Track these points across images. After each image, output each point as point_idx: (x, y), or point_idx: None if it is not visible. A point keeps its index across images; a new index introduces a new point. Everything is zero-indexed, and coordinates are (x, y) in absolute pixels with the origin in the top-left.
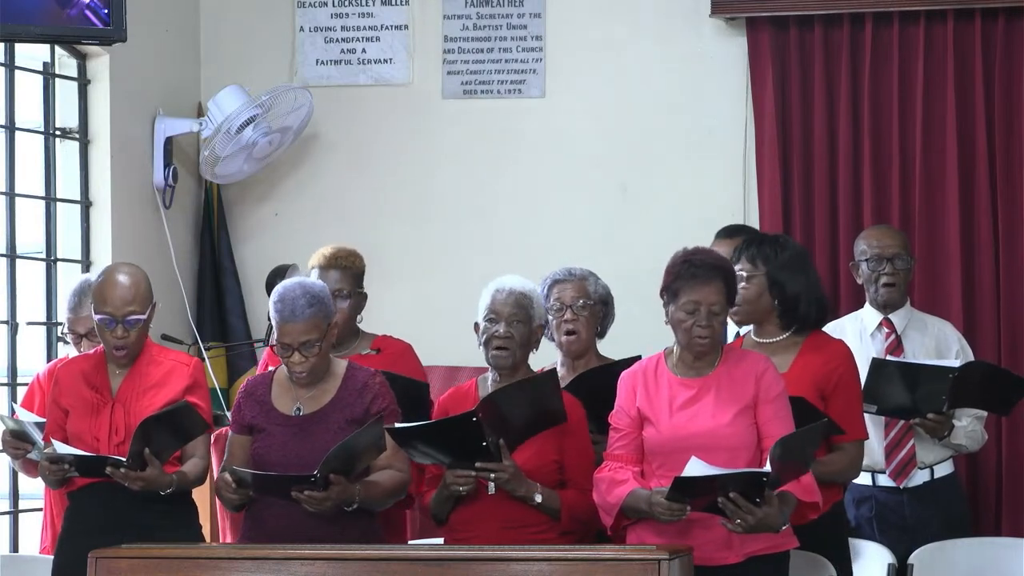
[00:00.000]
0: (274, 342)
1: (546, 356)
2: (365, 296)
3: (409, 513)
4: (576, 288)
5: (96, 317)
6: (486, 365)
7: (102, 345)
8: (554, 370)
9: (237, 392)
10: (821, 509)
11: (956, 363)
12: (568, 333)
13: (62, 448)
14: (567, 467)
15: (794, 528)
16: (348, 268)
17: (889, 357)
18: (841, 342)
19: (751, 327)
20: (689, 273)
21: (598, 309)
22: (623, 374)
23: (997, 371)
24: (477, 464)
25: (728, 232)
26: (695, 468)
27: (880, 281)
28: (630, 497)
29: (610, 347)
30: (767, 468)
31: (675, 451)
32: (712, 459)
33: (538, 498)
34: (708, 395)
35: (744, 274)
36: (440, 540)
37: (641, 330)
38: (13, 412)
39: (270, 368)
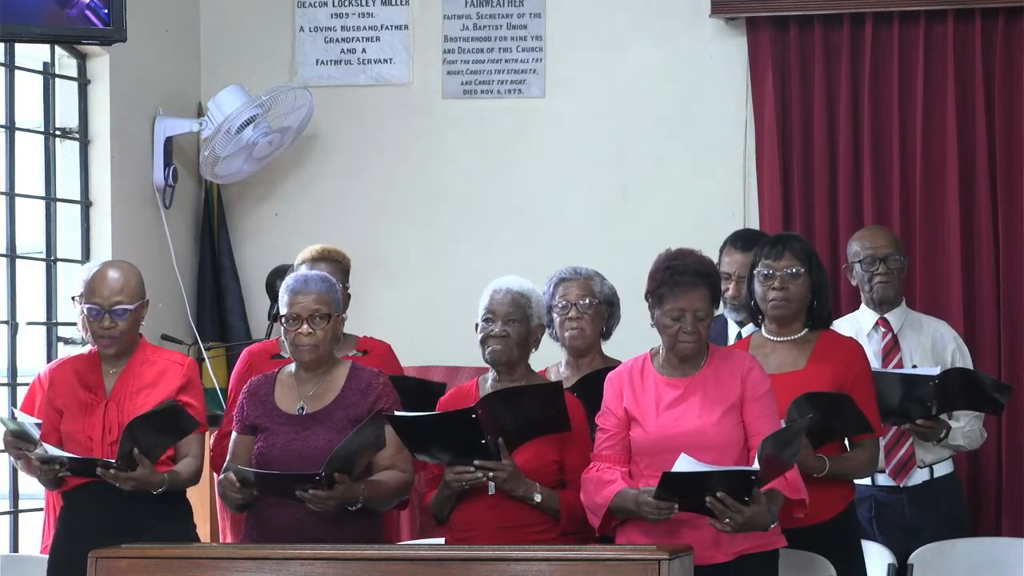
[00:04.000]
0: (283, 316)
1: (549, 356)
2: (349, 296)
3: (409, 513)
4: (581, 287)
5: (85, 307)
6: (487, 365)
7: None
8: (559, 383)
9: (240, 392)
10: (810, 507)
11: (935, 371)
12: (572, 331)
13: (53, 451)
14: (567, 468)
15: (807, 529)
16: (339, 262)
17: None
18: (854, 340)
19: (750, 326)
20: (673, 280)
21: (603, 309)
22: (609, 375)
23: (974, 376)
24: (476, 462)
25: (744, 245)
26: (684, 464)
27: (874, 280)
28: (618, 497)
29: (610, 347)
30: (755, 466)
31: (662, 451)
32: (699, 458)
33: (537, 498)
34: (694, 395)
35: (793, 271)
36: (441, 540)
37: (639, 331)
38: (13, 413)
39: (271, 371)
